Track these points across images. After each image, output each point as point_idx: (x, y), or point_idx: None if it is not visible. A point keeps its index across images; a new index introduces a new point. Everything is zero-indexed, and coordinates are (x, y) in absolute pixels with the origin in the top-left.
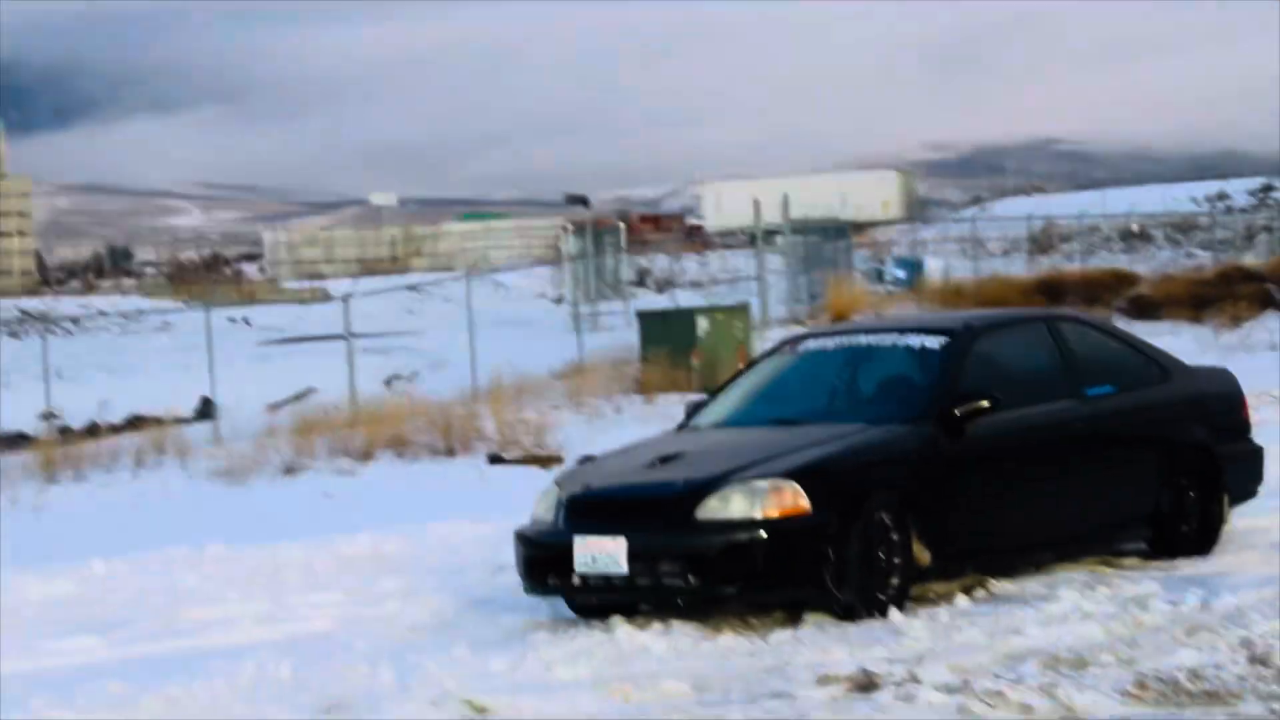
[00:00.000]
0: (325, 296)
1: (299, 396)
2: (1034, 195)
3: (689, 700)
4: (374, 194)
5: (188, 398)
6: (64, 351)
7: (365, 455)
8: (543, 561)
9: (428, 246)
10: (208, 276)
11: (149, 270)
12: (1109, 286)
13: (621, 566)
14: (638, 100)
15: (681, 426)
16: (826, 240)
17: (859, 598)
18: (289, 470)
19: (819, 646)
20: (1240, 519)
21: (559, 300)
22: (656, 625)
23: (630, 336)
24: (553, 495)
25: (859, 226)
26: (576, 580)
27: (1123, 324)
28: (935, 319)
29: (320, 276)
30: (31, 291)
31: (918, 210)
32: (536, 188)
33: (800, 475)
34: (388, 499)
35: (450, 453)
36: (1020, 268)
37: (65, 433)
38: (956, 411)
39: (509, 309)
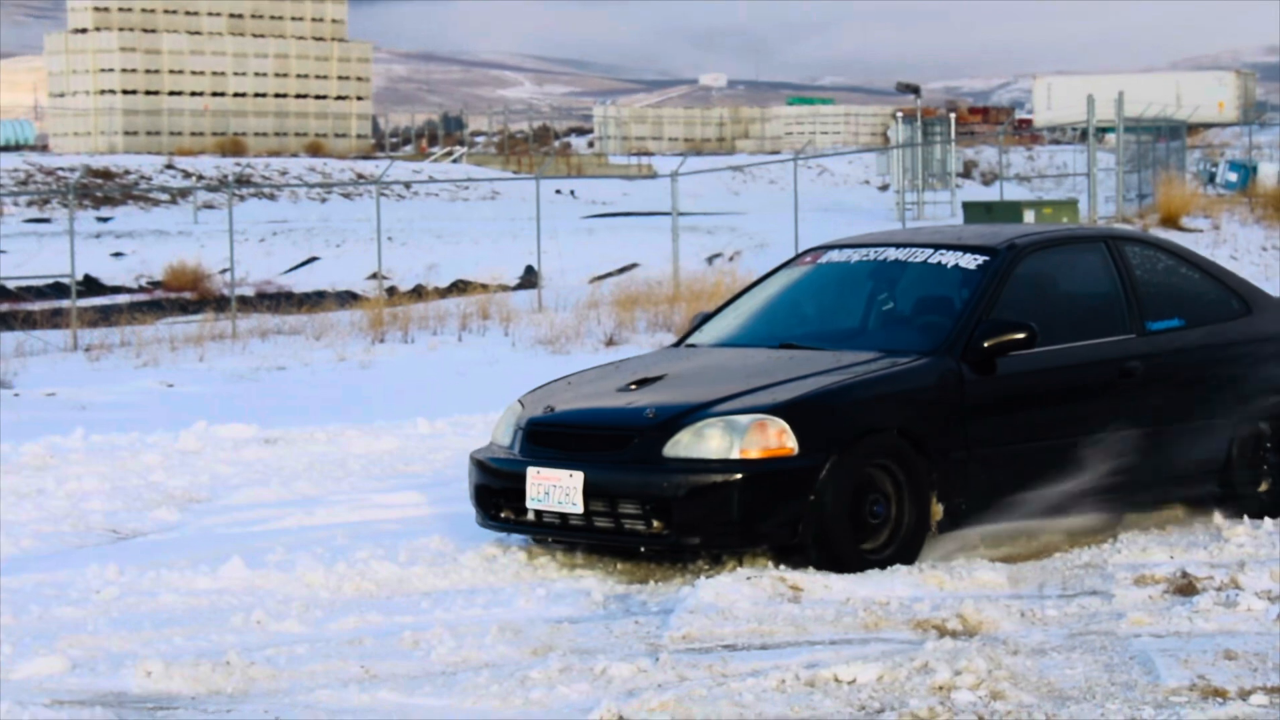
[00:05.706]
0: (652, 173)
1: (622, 270)
2: None
3: (1004, 591)
4: (704, 75)
5: (512, 266)
6: (394, 215)
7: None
8: (495, 491)
9: (754, 128)
10: (536, 148)
11: (479, 139)
12: None
13: (577, 504)
14: None
15: (678, 343)
16: (1158, 139)
17: (845, 555)
18: (610, 341)
19: (1138, 546)
20: None
21: (884, 187)
22: None
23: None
24: (513, 416)
25: (1192, 127)
26: (530, 515)
27: None
28: (977, 234)
29: (647, 153)
30: (366, 155)
31: (1254, 114)
32: (864, 75)
33: (789, 411)
34: None
35: None
36: None
37: (392, 293)
38: (985, 344)
39: (833, 194)
